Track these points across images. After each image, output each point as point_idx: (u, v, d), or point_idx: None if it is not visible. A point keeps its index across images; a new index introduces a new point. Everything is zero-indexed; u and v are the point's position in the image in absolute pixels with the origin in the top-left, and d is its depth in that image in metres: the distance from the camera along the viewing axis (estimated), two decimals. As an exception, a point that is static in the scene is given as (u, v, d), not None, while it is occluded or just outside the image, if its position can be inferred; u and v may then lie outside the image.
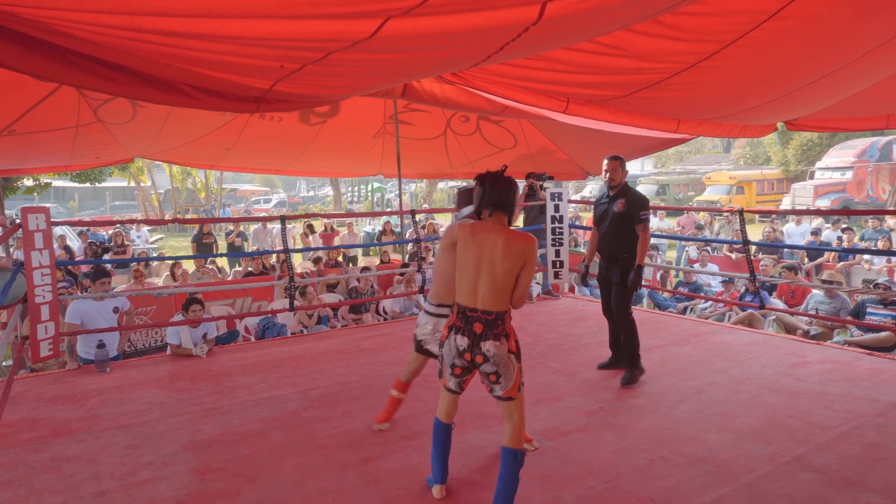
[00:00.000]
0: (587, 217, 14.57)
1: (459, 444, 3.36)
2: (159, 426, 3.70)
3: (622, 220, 4.42)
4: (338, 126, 9.00)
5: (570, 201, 7.32)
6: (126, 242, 12.29)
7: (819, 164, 24.98)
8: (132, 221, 6.22)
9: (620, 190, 4.49)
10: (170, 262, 10.17)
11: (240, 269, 10.10)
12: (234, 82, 3.11)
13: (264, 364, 4.94)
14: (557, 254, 7.10)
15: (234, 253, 11.93)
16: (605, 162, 4.53)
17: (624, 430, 3.53)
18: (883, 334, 5.95)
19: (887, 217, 12.41)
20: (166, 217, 25.46)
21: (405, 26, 2.04)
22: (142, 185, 26.62)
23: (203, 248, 11.78)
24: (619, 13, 2.35)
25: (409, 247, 10.35)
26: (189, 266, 9.73)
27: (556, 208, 7.06)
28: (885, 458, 3.15)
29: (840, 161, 23.77)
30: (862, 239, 10.77)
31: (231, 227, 12.98)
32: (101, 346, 4.88)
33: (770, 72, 3.94)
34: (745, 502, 2.75)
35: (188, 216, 27.52)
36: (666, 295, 8.83)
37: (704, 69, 3.66)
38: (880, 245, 9.73)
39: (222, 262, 12.25)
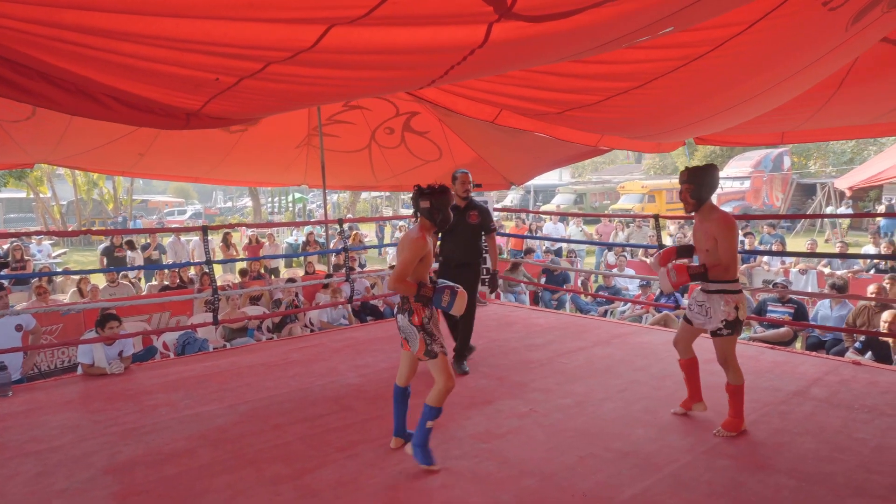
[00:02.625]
0: (510, 225, 14.90)
1: (394, 451, 3.35)
2: (73, 451, 3.46)
3: (476, 230, 4.87)
4: (260, 135, 8.74)
5: (494, 209, 7.48)
6: (26, 257, 11.40)
7: (721, 174, 26.66)
8: (35, 233, 5.79)
9: (470, 202, 4.88)
10: (76, 277, 9.54)
11: (155, 283, 9.62)
12: (165, 98, 2.94)
13: (187, 380, 4.74)
14: (483, 261, 7.22)
15: (150, 266, 11.35)
16: (462, 174, 4.85)
17: (554, 429, 3.64)
18: (782, 330, 6.45)
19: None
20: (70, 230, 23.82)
21: (349, 37, 2.01)
22: (41, 196, 24.80)
23: (115, 262, 11.12)
24: (566, 44, 2.42)
25: (334, 257, 10.21)
26: (98, 281, 9.15)
27: (482, 216, 7.18)
28: (788, 441, 3.41)
29: (739, 171, 25.55)
30: (760, 243, 11.61)
31: (147, 239, 12.33)
32: (1, 368, 4.51)
33: (696, 97, 4.24)
34: (669, 491, 2.90)
35: (94, 229, 25.90)
36: (588, 299, 9.17)
37: (636, 95, 3.87)
38: (775, 248, 10.53)
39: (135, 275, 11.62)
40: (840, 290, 6.62)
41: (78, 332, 6.57)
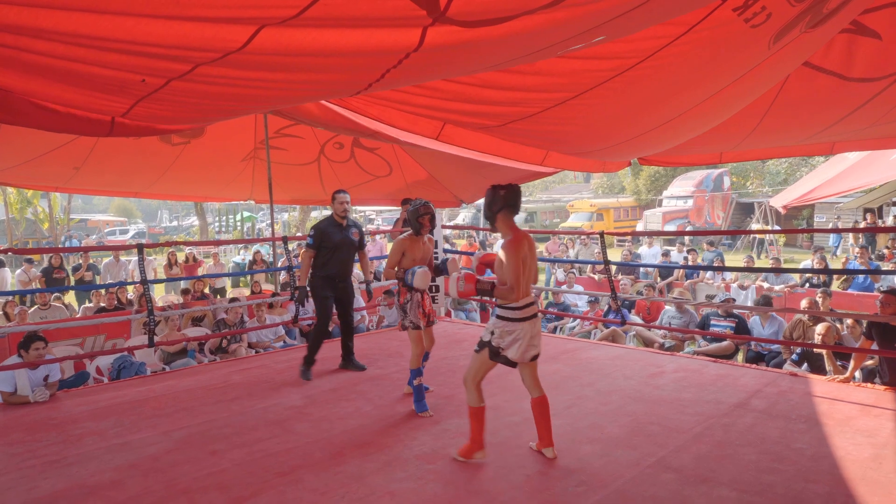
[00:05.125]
0: (461, 243, 14.93)
1: (337, 475, 3.24)
2: (-14, 486, 3.21)
3: (355, 246, 5.29)
4: (203, 148, 8.50)
5: (443, 227, 7.46)
6: (-52, 279, 10.74)
7: (665, 193, 27.61)
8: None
9: (349, 221, 5.29)
10: (2, 299, 9.02)
11: (90, 304, 9.17)
12: (86, 100, 2.78)
13: (119, 406, 4.48)
14: (433, 279, 7.18)
15: (84, 286, 10.82)
16: (340, 196, 5.21)
17: (502, 448, 3.59)
18: (724, 343, 6.61)
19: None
20: None
21: (280, 38, 1.94)
22: (-31, 214, 23.51)
23: (53, 283, 10.57)
24: (501, 49, 2.42)
25: (282, 276, 9.97)
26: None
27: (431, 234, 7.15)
28: (730, 454, 3.46)
29: (682, 190, 26.43)
30: (703, 259, 11.97)
31: (81, 260, 11.77)
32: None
33: (631, 111, 4.33)
34: (615, 507, 2.88)
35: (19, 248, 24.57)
36: (537, 316, 9.21)
37: (573, 106, 3.92)
38: (716, 264, 10.88)
39: (70, 298, 11.06)
40: (765, 303, 6.86)
41: (2, 358, 6.16)
